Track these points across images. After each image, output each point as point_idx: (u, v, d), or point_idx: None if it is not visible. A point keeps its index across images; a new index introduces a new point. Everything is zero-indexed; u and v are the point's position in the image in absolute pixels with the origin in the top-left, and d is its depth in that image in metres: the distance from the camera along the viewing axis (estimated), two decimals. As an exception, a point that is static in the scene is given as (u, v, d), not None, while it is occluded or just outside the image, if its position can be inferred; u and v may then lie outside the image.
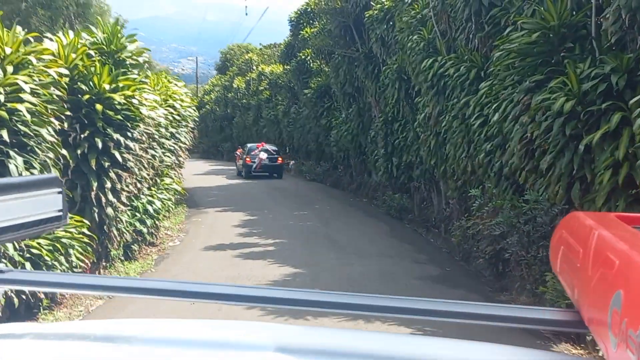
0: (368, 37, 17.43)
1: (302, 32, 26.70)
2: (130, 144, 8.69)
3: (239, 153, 31.47)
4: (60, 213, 1.38)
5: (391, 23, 15.19)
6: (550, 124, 7.24)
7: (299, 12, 27.97)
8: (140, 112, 8.74)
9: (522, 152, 8.10)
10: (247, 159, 27.86)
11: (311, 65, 27.03)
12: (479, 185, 10.55)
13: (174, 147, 12.48)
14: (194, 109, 15.37)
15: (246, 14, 41.80)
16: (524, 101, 7.94)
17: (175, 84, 15.39)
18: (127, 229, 9.47)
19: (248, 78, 39.40)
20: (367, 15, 16.37)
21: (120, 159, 8.39)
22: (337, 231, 12.73)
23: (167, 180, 11.98)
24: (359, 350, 1.15)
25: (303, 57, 27.20)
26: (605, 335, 0.80)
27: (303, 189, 22.02)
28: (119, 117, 8.41)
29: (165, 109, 11.44)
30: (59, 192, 1.38)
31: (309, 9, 26.89)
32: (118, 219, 8.92)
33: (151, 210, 10.33)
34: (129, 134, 8.74)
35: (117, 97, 8.32)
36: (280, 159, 28.40)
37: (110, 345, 1.21)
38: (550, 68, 7.59)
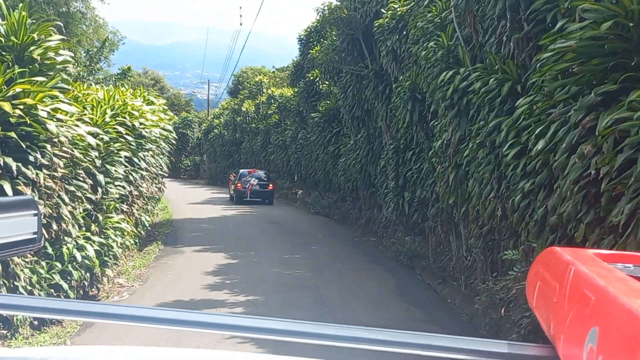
0: (378, 52, 15.04)
1: (311, 51, 24.51)
2: (32, 172, 6.28)
3: (232, 178, 31.20)
4: (35, 235, 1.38)
5: (404, 32, 12.79)
6: (630, 157, 4.76)
7: (309, 29, 25.79)
8: (46, 129, 6.34)
9: (580, 196, 5.58)
10: (239, 185, 27.97)
11: (320, 86, 24.81)
12: (512, 235, 8.02)
13: (129, 174, 10.08)
14: (168, 130, 13.02)
15: (240, 23, 40.52)
16: (586, 123, 5.43)
17: (151, 100, 13.13)
18: (36, 285, 7.01)
19: (258, 101, 37.30)
20: (376, 24, 13.99)
21: (11, 193, 5.97)
22: (329, 285, 10.18)
23: (118, 217, 9.51)
24: None
25: (312, 77, 24.97)
26: None
27: (304, 224, 19.50)
28: (12, 134, 6.03)
29: (113, 128, 9.04)
30: (35, 214, 1.38)
31: (319, 26, 24.66)
32: (14, 274, 6.48)
33: (79, 258, 7.86)
34: (31, 157, 6.35)
35: (6, 107, 5.92)
36: (271, 185, 28.63)
37: None
38: (627, 74, 5.08)
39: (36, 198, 6.48)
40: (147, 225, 12.71)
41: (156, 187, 13.37)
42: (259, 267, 11.74)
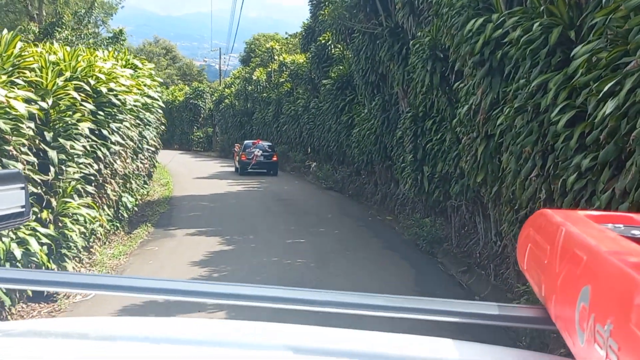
0: (393, 6, 13.20)
1: (322, 12, 22.62)
2: None
3: (237, 150, 30.99)
4: (24, 209, 1.36)
5: (423, -21, 10.96)
6: None
7: (320, -13, 23.83)
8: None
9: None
10: (243, 156, 28.03)
11: (332, 51, 22.96)
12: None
13: (97, 149, 8.46)
14: (152, 97, 11.39)
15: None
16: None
17: (135, 64, 11.50)
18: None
19: (269, 69, 35.45)
20: (391, -27, 12.15)
21: None
22: (335, 280, 8.56)
23: (80, 201, 7.92)
24: (356, 350, 1.19)
25: (323, 41, 23.12)
26: (572, 331, 0.81)
27: (313, 202, 17.87)
28: None
29: (67, 94, 7.39)
30: (22, 188, 1.37)
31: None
32: None
33: (19, 256, 6.31)
34: None
35: None
36: (275, 156, 28.57)
37: (106, 343, 1.23)
38: None
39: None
40: (131, 206, 11.17)
41: (141, 163, 11.80)
42: (255, 255, 10.16)
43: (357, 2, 14.79)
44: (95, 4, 19.31)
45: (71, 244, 7.58)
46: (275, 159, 28.53)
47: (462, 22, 7.84)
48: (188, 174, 25.92)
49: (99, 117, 8.56)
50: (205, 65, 68.77)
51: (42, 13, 18.79)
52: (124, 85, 9.23)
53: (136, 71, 11.74)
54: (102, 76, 8.55)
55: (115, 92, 8.93)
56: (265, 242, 11.30)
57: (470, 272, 10.05)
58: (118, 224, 10.89)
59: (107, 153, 8.71)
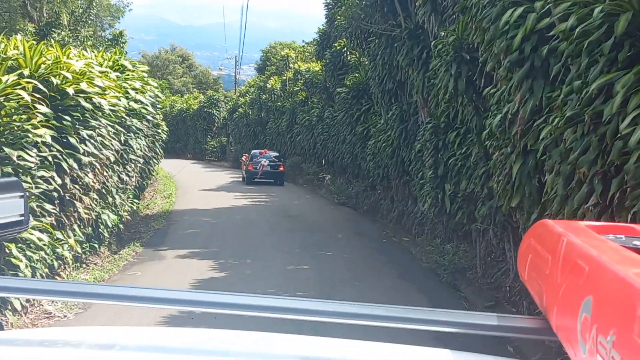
0: (413, 5, 11.86)
1: (338, 17, 21.35)
2: None
3: (244, 159, 30.84)
4: (22, 218, 1.36)
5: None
6: None
7: (336, -10, 22.54)
8: None
9: None
10: (250, 166, 28.01)
11: (347, 57, 21.66)
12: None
13: (62, 161, 7.17)
14: (140, 102, 10.14)
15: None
16: None
17: (124, 65, 10.30)
18: None
19: (284, 78, 34.25)
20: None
21: None
22: (337, 320, 7.13)
23: (31, 223, 6.62)
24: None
25: (338, 47, 21.83)
26: (574, 342, 0.81)
27: (324, 219, 16.48)
28: None
29: (16, 94, 6.12)
30: (21, 196, 1.37)
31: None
32: None
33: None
34: None
35: None
36: (282, 166, 28.47)
37: (104, 353, 1.26)
38: None
39: None
40: (114, 224, 9.89)
41: (127, 175, 10.53)
42: (249, 284, 8.80)
43: (373, 2, 13.46)
44: (94, 4, 18.15)
45: (20, 274, 6.28)
46: (282, 169, 28.41)
47: (496, 13, 6.46)
48: (195, 185, 24.69)
49: (65, 122, 7.28)
50: (224, 74, 67.81)
51: (42, 14, 17.75)
52: (98, 86, 7.95)
53: (124, 73, 10.50)
54: (69, 75, 7.28)
55: (87, 94, 7.65)
56: (264, 268, 9.94)
57: (499, 307, 8.65)
58: (97, 245, 9.60)
59: (75, 165, 7.41)
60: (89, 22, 17.76)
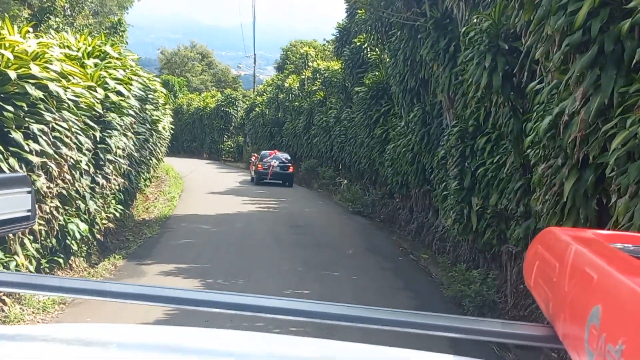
0: (441, -11, 10.34)
1: (359, 11, 19.87)
2: None
3: (253, 160, 30.55)
4: (29, 213, 1.37)
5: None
6: None
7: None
8: None
9: None
10: (259, 166, 27.91)
11: (367, 55, 20.13)
12: None
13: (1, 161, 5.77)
14: (120, 94, 8.74)
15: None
16: None
17: (105, 51, 8.95)
18: None
19: (303, 77, 32.82)
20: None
21: None
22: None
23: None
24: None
25: (358, 43, 20.32)
26: (581, 350, 0.81)
27: (335, 230, 14.95)
28: None
29: None
30: (29, 192, 1.37)
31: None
32: None
33: None
34: None
35: None
36: (291, 167, 28.28)
37: (104, 350, 1.28)
38: None
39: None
40: (84, 234, 8.48)
41: (105, 179, 9.11)
42: (233, 315, 7.29)
43: (394, -13, 11.94)
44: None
45: None
46: (291, 170, 28.26)
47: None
48: (203, 187, 23.32)
49: (5, 114, 5.87)
50: (245, 74, 66.38)
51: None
52: (54, 72, 6.54)
53: (104, 60, 9.12)
54: (10, 55, 5.87)
55: (37, 80, 6.24)
56: (257, 293, 8.44)
57: (535, 349, 7.09)
58: (62, 259, 8.21)
59: (18, 167, 5.99)
60: (86, 8, 16.51)
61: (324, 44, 38.61)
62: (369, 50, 20.00)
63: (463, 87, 10.00)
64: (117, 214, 10.37)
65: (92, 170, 8.49)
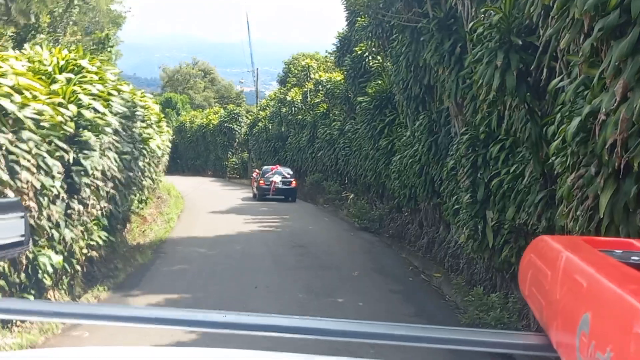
0: (443, -14, 9.54)
1: (360, 18, 19.13)
2: None
3: (255, 175, 30.07)
4: (23, 238, 1.36)
5: None
6: None
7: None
8: None
9: None
10: (261, 182, 27.38)
11: (369, 63, 19.37)
12: None
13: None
14: (95, 110, 7.98)
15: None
16: None
17: (80, 65, 8.21)
18: None
19: (305, 89, 32.12)
20: None
21: None
22: None
23: None
24: None
25: (359, 52, 19.56)
26: (573, 358, 0.82)
27: (340, 249, 14.06)
28: None
29: None
30: (22, 217, 1.37)
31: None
32: None
33: None
34: None
35: None
36: (294, 182, 27.77)
37: None
38: None
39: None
40: (57, 267, 7.67)
41: (82, 204, 8.30)
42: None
43: (394, -13, 11.15)
44: (75, 1, 16.10)
45: None
46: (293, 185, 27.75)
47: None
48: (204, 206, 22.50)
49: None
50: (249, 90, 65.68)
51: (30, 19, 15.86)
52: (7, 86, 5.74)
53: (78, 75, 8.35)
54: None
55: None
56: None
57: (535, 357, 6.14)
58: (33, 296, 7.39)
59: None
60: (76, 26, 15.81)
61: (326, 56, 37.92)
62: (370, 58, 19.26)
63: (472, 90, 9.17)
64: (101, 241, 9.54)
65: (64, 195, 7.68)
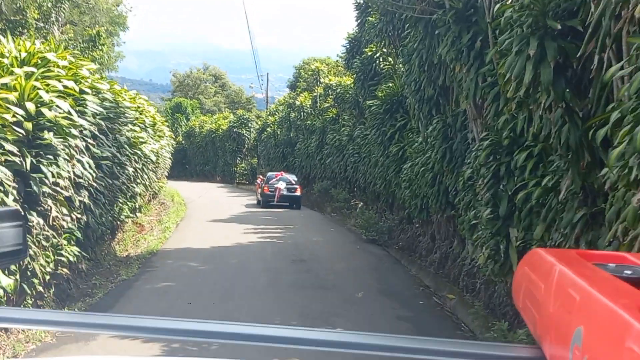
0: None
1: (370, 17, 18.07)
2: None
3: (259, 182, 29.31)
4: (21, 247, 1.38)
5: None
6: None
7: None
8: None
9: None
10: (266, 188, 26.73)
11: (380, 65, 18.24)
12: None
13: None
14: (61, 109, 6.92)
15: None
16: None
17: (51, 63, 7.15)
18: None
19: (315, 94, 31.10)
20: None
21: None
22: None
23: None
24: None
25: (369, 53, 18.44)
26: None
27: (345, 265, 12.86)
28: None
29: None
30: (20, 225, 1.37)
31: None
32: None
33: None
34: None
35: None
36: (298, 189, 27.19)
37: None
38: None
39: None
40: (9, 290, 6.59)
41: (42, 215, 7.22)
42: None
43: (405, -25, 10.00)
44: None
45: None
46: (298, 192, 27.15)
47: None
48: (206, 214, 21.42)
49: None
50: (261, 96, 64.59)
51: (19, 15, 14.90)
52: None
53: (42, 69, 7.29)
54: None
55: None
56: (233, 358, 6.44)
57: None
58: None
59: None
60: (67, 24, 14.82)
61: (336, 60, 36.92)
62: (381, 60, 18.12)
63: (494, 90, 8.02)
64: (72, 257, 8.44)
65: (18, 207, 6.59)
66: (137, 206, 15.25)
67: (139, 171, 13.96)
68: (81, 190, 8.60)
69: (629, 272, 1.00)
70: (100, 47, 14.46)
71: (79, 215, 8.76)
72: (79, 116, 7.86)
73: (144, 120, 14.29)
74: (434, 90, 11.23)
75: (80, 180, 8.54)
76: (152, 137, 14.87)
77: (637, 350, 0.64)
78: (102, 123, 9.47)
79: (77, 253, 8.72)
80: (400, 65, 15.01)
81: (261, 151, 40.21)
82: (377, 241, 15.85)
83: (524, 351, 1.01)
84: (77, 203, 8.53)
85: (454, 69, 9.34)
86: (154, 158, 14.87)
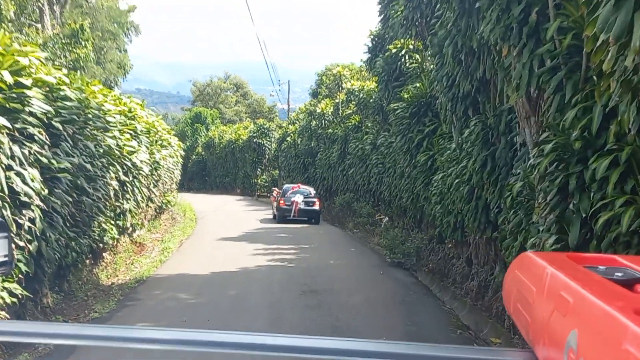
0: None
1: (394, 11, 16.16)
2: None
3: (275, 195, 27.85)
4: (6, 259, 1.29)
5: None
6: None
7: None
8: None
9: None
10: (282, 202, 25.06)
11: (406, 63, 16.25)
12: None
13: None
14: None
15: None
16: None
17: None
18: None
19: (337, 100, 29.22)
20: None
21: None
22: None
23: None
24: None
25: (394, 50, 16.46)
26: None
27: (365, 296, 10.79)
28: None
29: None
30: (5, 237, 1.31)
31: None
32: None
33: None
34: None
35: None
36: (317, 203, 25.34)
37: None
38: None
39: None
40: None
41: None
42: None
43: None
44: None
45: None
46: (316, 206, 25.24)
47: None
48: (216, 231, 19.56)
49: None
50: (284, 107, 62.99)
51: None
52: None
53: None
54: None
55: None
56: None
57: None
58: None
59: None
60: (35, 16, 13.24)
61: (360, 65, 35.06)
62: (407, 57, 16.13)
63: (557, 76, 5.98)
64: (8, 299, 6.59)
65: None
66: (129, 224, 13.42)
67: (128, 185, 12.15)
68: (22, 211, 6.74)
69: (620, 274, 0.99)
70: (83, 44, 12.83)
71: (24, 244, 6.91)
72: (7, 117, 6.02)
73: (135, 127, 12.48)
74: (471, 85, 9.23)
75: (23, 198, 6.70)
76: (144, 145, 13.04)
77: (634, 352, 0.63)
78: (60, 126, 7.64)
79: (18, 292, 6.86)
80: (428, 62, 13.06)
81: (282, 162, 38.40)
82: (404, 264, 13.78)
83: (517, 355, 1.02)
84: (26, 227, 6.71)
85: (499, 53, 7.30)
86: (146, 170, 13.02)
